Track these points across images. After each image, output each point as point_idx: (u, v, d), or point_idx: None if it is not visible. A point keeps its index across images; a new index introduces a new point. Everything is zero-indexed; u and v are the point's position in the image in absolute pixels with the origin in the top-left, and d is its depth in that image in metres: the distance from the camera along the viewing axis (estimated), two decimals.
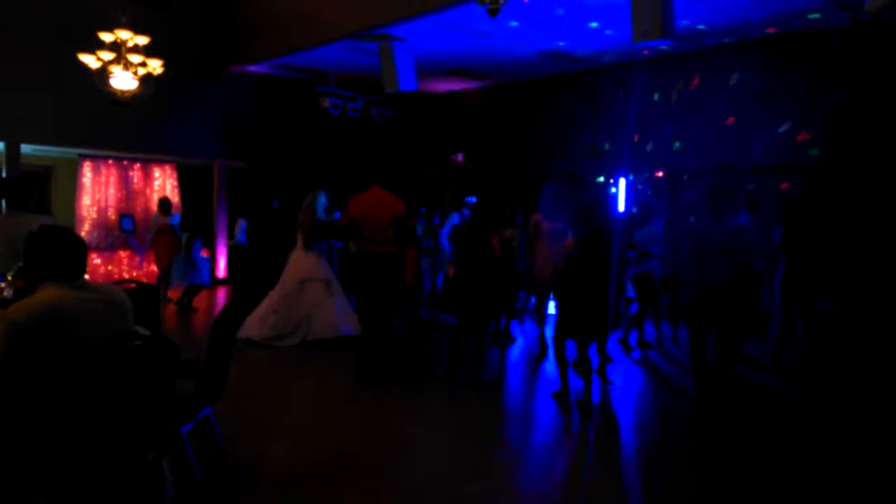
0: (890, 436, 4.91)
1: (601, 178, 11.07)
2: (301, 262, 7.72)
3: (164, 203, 9.90)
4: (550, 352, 7.05)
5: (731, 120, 9.23)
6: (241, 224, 11.84)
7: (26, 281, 2.75)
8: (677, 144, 9.81)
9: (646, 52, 9.58)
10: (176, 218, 9.98)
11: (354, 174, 12.00)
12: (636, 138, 10.28)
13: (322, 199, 7.83)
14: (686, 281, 5.66)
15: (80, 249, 2.78)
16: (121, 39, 7.91)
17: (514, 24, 8.53)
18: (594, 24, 8.54)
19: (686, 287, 5.63)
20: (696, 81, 9.64)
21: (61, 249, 2.73)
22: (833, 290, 7.28)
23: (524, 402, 5.75)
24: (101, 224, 11.42)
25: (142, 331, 3.05)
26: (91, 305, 2.71)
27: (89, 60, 7.97)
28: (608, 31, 8.78)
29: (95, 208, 11.37)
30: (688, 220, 7.87)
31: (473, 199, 8.60)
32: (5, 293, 3.77)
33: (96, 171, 11.38)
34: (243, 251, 11.78)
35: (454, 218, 9.23)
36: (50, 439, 2.60)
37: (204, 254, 10.91)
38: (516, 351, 7.62)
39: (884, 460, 4.45)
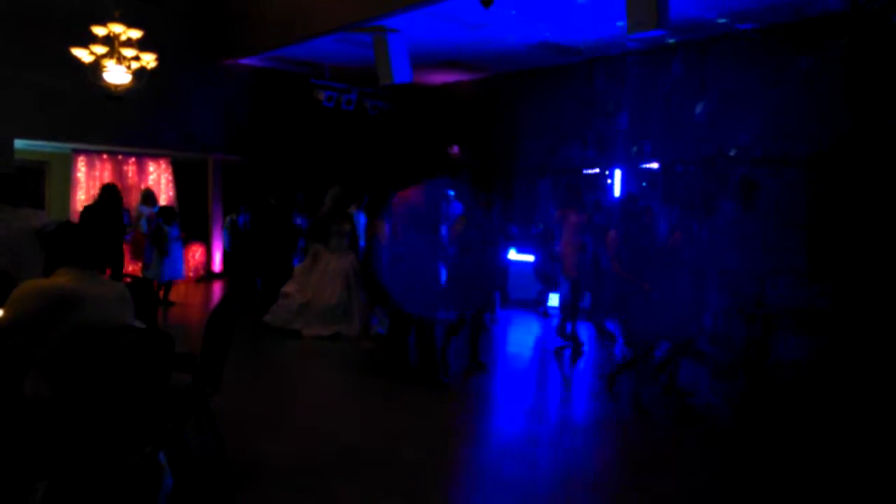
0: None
1: (597, 170, 11.06)
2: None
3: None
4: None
5: (723, 110, 9.22)
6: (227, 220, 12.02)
7: (45, 268, 2.90)
8: (670, 135, 9.79)
9: (638, 44, 9.55)
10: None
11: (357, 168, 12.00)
12: (630, 129, 10.27)
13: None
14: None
15: (101, 241, 2.95)
16: (114, 33, 7.88)
17: (511, 13, 8.51)
18: (590, 16, 8.52)
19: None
20: (689, 72, 9.63)
21: (84, 237, 2.87)
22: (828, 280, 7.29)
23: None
24: None
25: (138, 325, 3.07)
26: (98, 293, 2.81)
27: (82, 55, 7.94)
28: (603, 23, 8.76)
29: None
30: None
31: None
32: None
33: (90, 166, 11.33)
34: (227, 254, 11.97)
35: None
36: (49, 427, 2.63)
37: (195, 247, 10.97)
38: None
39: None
